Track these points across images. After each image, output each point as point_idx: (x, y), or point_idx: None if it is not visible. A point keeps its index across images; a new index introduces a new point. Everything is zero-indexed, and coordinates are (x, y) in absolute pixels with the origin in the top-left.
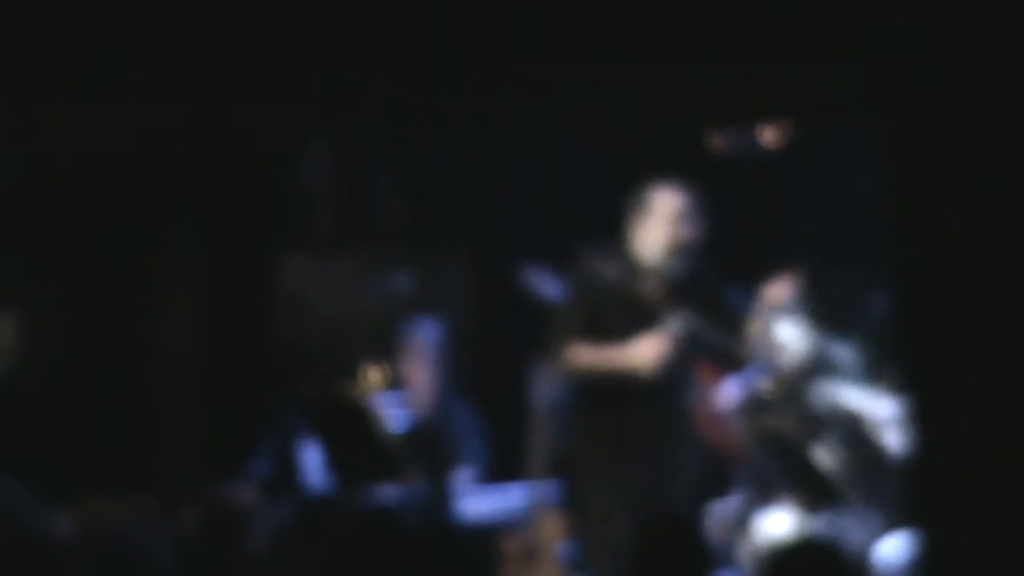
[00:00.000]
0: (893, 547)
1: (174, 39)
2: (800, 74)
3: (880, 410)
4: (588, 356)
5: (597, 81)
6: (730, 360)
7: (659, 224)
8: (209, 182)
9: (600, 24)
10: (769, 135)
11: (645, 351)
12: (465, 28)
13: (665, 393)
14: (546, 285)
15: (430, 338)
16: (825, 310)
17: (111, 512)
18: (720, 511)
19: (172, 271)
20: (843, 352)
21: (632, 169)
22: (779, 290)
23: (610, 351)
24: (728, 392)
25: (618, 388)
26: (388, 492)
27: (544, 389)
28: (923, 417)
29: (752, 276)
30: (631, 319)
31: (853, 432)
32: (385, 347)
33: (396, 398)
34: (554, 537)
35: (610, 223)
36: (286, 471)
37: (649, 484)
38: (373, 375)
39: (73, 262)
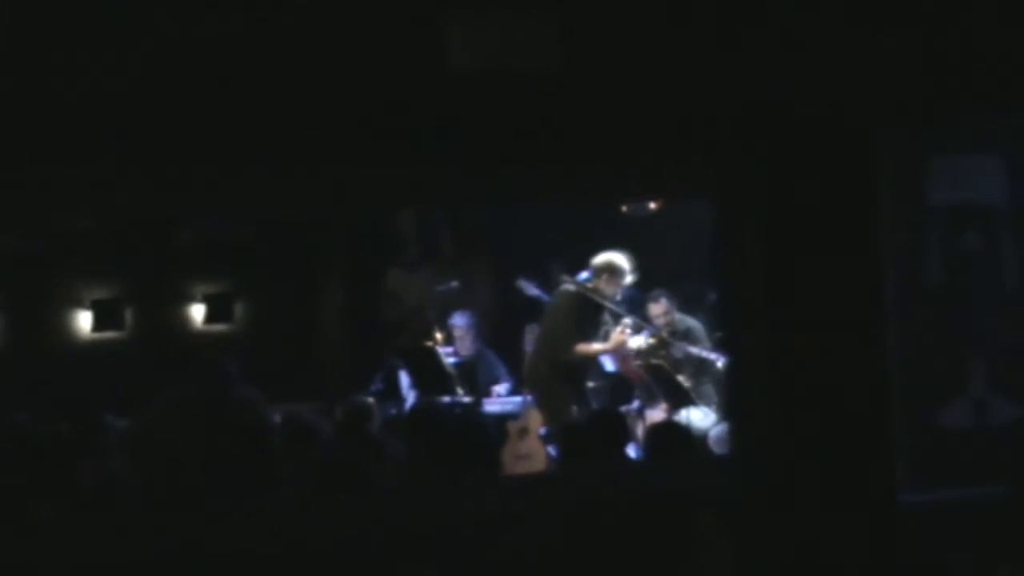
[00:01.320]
0: (718, 431)
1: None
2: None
3: (713, 356)
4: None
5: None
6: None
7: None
8: (349, 227)
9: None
10: (653, 204)
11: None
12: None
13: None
14: (529, 288)
15: (460, 321)
16: (684, 302)
17: (301, 410)
18: (627, 410)
19: (330, 278)
20: (693, 324)
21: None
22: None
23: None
24: (629, 347)
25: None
26: (446, 399)
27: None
28: (732, 360)
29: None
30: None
31: (698, 367)
32: (443, 322)
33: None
34: (536, 423)
35: (564, 254)
36: (391, 388)
37: (582, 395)
38: (438, 336)
39: (282, 274)
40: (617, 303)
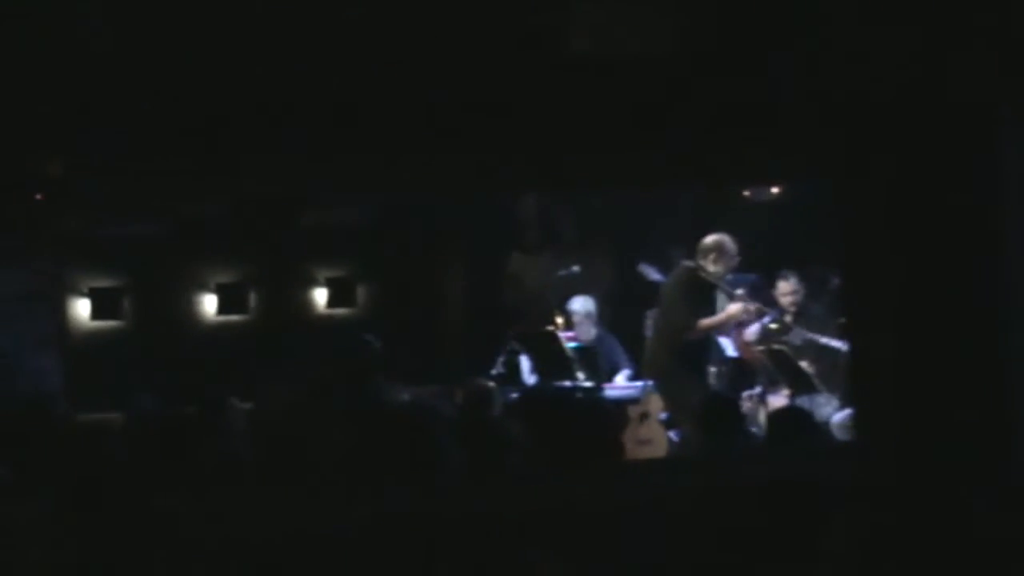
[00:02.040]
0: (841, 417)
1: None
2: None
3: (835, 343)
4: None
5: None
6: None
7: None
8: (472, 211)
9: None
10: (775, 188)
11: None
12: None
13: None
14: (651, 273)
15: (579, 306)
16: (807, 287)
17: (424, 393)
18: (749, 395)
19: (452, 262)
20: (815, 308)
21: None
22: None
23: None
24: (752, 329)
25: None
26: (566, 384)
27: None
28: (856, 346)
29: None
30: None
31: (820, 352)
32: (564, 306)
33: (570, 334)
34: (657, 408)
35: (685, 239)
36: (512, 372)
37: (702, 380)
38: (558, 320)
39: (403, 258)
40: (735, 287)
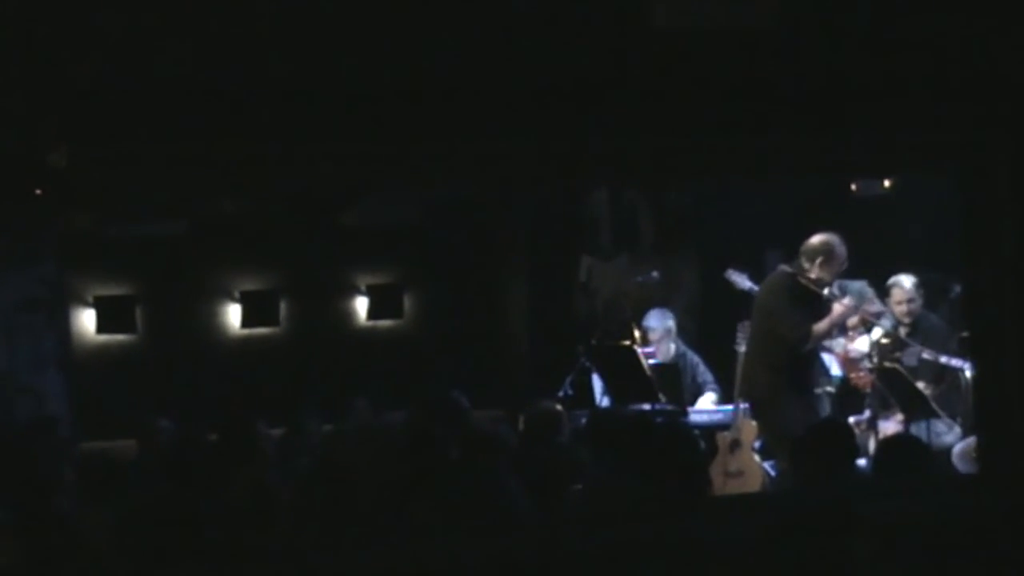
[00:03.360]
0: (963, 447)
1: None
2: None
3: (956, 362)
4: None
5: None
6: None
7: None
8: (535, 209)
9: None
10: (887, 182)
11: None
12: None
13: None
14: (741, 280)
15: (657, 322)
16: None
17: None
18: (857, 420)
19: (513, 268)
20: (936, 322)
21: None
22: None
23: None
24: (858, 344)
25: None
26: (644, 407)
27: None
28: (981, 365)
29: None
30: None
31: (940, 371)
32: (643, 318)
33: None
34: (751, 435)
35: (782, 241)
36: (582, 393)
37: (807, 402)
38: (636, 334)
39: (455, 264)
40: (842, 295)
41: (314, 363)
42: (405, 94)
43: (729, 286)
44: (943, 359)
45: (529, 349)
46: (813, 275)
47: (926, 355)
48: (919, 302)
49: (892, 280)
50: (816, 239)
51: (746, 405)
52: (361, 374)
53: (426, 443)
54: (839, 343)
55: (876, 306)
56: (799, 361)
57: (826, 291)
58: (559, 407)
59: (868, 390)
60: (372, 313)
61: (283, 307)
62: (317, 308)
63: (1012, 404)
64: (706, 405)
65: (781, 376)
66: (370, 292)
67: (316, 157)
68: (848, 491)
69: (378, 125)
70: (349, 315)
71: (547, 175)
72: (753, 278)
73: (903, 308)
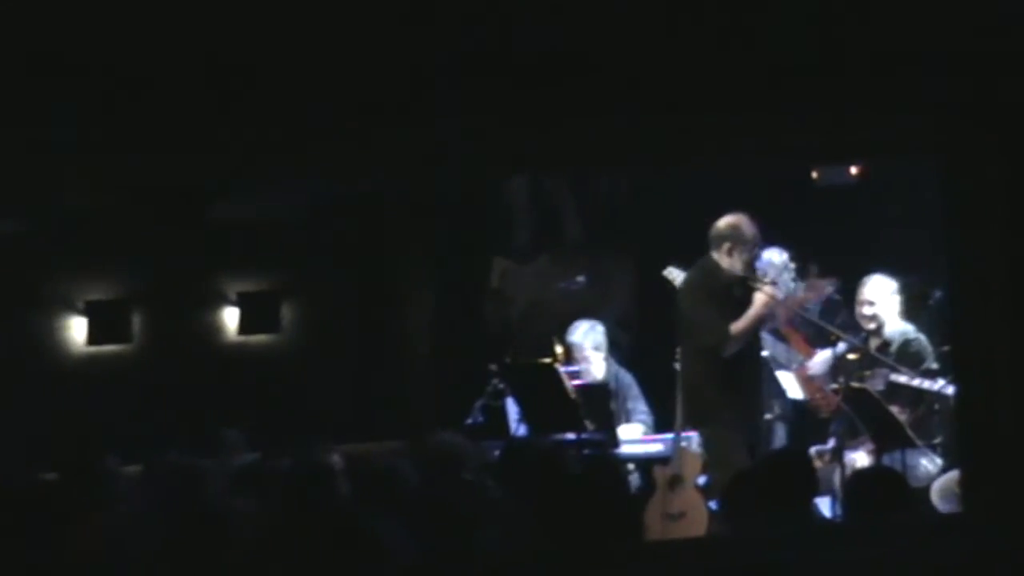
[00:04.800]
0: (944, 482)
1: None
2: (875, 125)
3: (936, 385)
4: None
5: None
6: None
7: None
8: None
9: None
10: (854, 169)
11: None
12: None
13: (752, 362)
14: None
15: (584, 333)
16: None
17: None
18: (820, 450)
19: (412, 273)
20: (912, 335)
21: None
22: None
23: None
24: (819, 361)
25: (733, 361)
26: (568, 436)
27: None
28: (965, 385)
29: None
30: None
31: (917, 396)
32: (565, 329)
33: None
34: (694, 469)
35: None
36: (495, 421)
37: (752, 422)
38: (558, 350)
39: (344, 268)
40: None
41: (175, 387)
42: (284, 66)
43: (672, 290)
44: (917, 382)
45: (432, 369)
46: (724, 264)
47: (899, 378)
48: (894, 309)
49: (863, 281)
50: (721, 222)
51: (690, 434)
52: (231, 399)
53: (312, 482)
54: (797, 358)
55: (813, 291)
56: (739, 374)
57: (768, 278)
58: (462, 439)
59: (826, 414)
60: (244, 326)
61: (137, 320)
62: (178, 321)
63: (1001, 431)
64: (633, 435)
65: (719, 394)
66: (242, 301)
67: (170, 145)
68: (810, 535)
69: (251, 106)
70: (216, 329)
71: (452, 161)
72: None
73: (870, 310)
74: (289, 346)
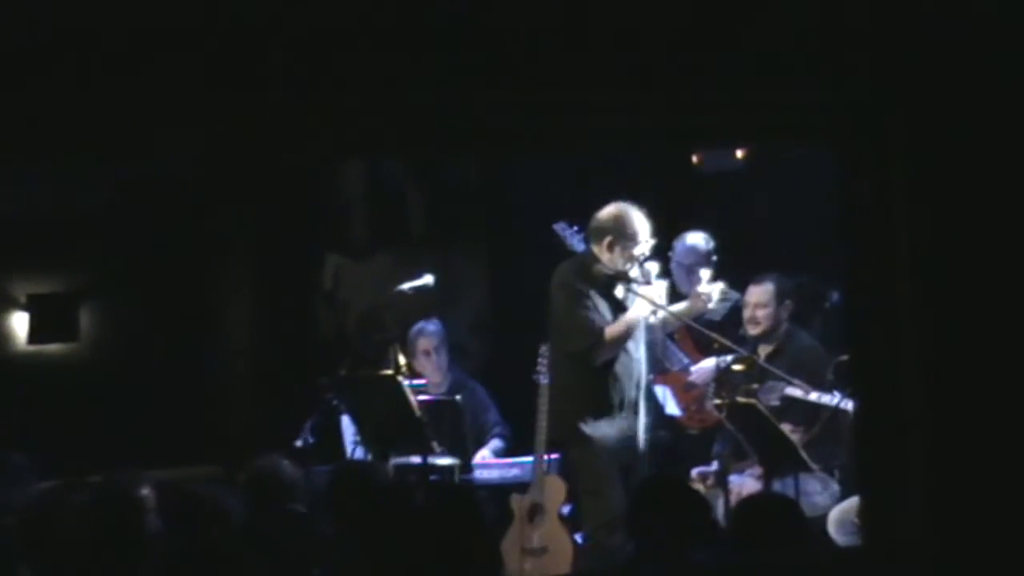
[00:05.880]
0: (842, 511)
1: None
2: (764, 105)
3: (832, 399)
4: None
5: (597, 110)
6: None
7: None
8: (259, 194)
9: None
10: (739, 152)
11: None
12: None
13: (628, 372)
14: (573, 238)
15: (429, 335)
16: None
17: (183, 477)
18: (702, 473)
19: (231, 272)
20: (807, 342)
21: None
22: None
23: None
24: (703, 368)
25: (607, 369)
26: (413, 459)
27: (548, 371)
28: (865, 400)
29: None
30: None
31: (812, 409)
32: (408, 336)
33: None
34: (557, 498)
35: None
36: (327, 442)
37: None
38: (401, 360)
39: (151, 266)
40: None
41: None
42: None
43: (530, 285)
44: (815, 396)
45: (255, 382)
46: (604, 259)
47: (793, 391)
48: (785, 311)
49: (756, 279)
50: (603, 212)
51: (552, 456)
52: (19, 417)
53: (118, 518)
54: (681, 360)
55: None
56: (614, 385)
57: (653, 275)
58: (287, 463)
59: (696, 432)
60: (35, 334)
61: None
62: None
63: (906, 453)
64: (490, 457)
65: (589, 408)
66: (32, 305)
67: None
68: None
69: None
70: (2, 337)
71: (278, 142)
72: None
73: (761, 313)
74: (88, 356)
